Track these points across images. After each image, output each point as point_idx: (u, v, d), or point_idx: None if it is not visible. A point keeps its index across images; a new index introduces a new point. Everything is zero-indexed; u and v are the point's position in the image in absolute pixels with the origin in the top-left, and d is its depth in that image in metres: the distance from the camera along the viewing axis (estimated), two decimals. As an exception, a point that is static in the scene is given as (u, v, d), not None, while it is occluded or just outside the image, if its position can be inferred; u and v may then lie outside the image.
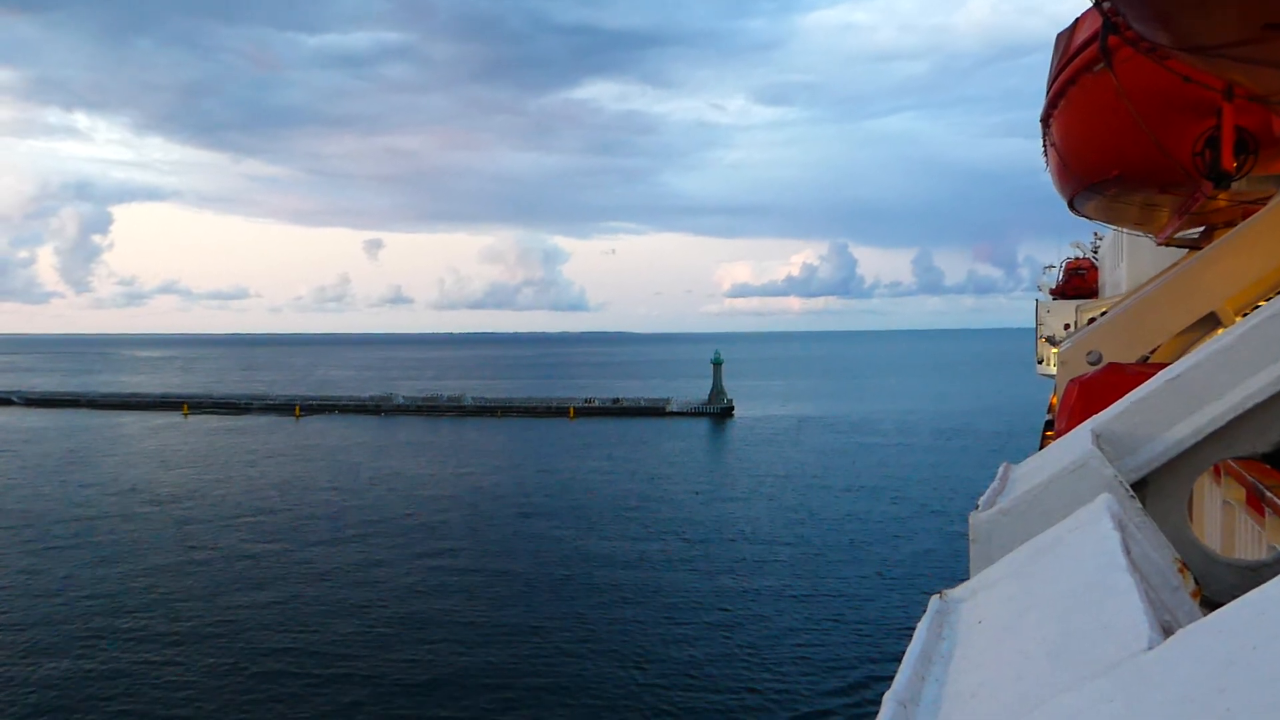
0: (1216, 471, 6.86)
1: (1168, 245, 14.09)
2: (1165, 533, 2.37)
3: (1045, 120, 10.34)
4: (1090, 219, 13.76)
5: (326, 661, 26.42)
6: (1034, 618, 1.61)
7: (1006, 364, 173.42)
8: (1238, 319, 8.03)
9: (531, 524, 44.64)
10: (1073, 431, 3.09)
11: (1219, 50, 4.25)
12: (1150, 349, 8.71)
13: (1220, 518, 7.11)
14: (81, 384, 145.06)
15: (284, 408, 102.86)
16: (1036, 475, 2.69)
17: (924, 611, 1.85)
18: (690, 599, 32.31)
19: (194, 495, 52.75)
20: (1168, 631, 1.29)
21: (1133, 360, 8.21)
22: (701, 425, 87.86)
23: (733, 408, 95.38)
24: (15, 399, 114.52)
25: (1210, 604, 2.11)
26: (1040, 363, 38.53)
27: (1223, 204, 9.73)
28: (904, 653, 1.63)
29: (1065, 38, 8.82)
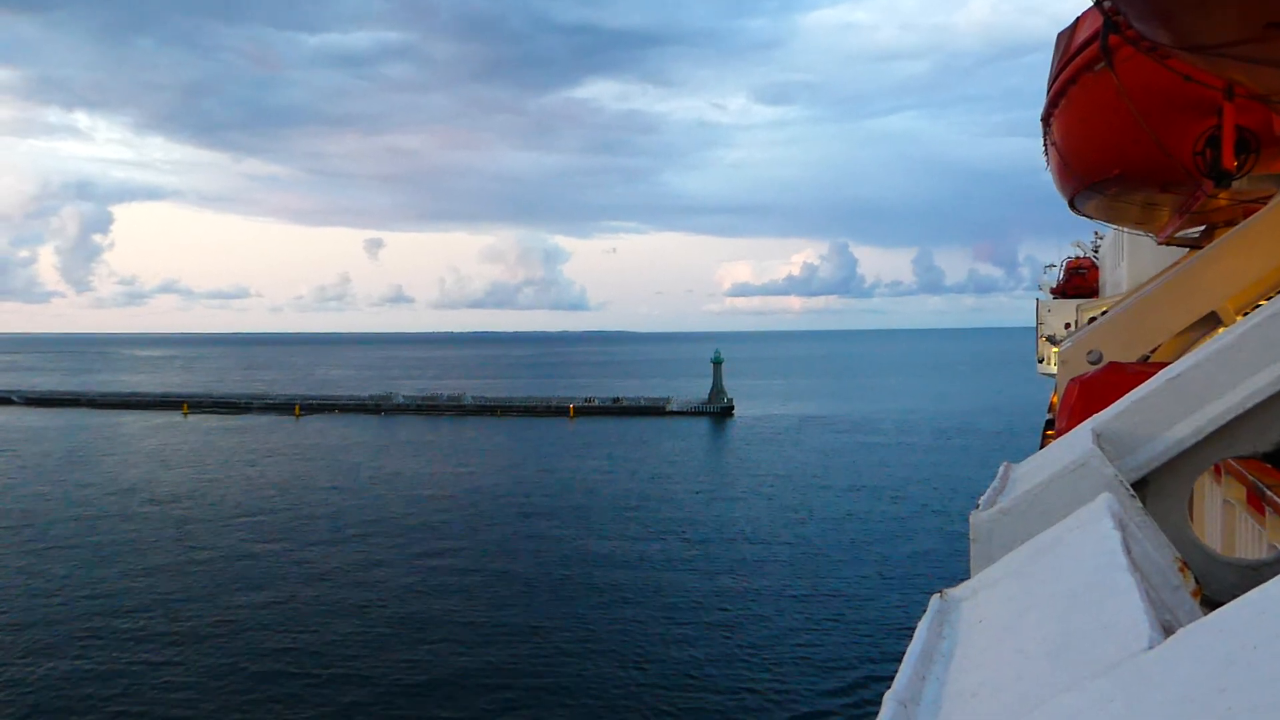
0: (1217, 471, 6.86)
1: (1168, 244, 14.08)
2: (1166, 532, 2.37)
3: (1046, 119, 10.34)
4: (1091, 218, 13.75)
5: (326, 661, 26.42)
6: (1035, 617, 1.61)
7: (1007, 363, 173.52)
8: (1238, 318, 8.02)
9: (531, 523, 44.64)
10: (1073, 431, 3.09)
11: (1220, 49, 4.25)
12: (1151, 348, 8.70)
13: (1221, 517, 7.11)
14: (81, 383, 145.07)
15: (284, 407, 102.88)
16: (1037, 475, 2.69)
17: (924, 611, 1.85)
18: (690, 599, 32.31)
19: (193, 495, 52.77)
20: (1168, 631, 1.29)
21: (1133, 359, 8.21)
22: (701, 425, 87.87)
23: (733, 407, 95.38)
24: (15, 398, 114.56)
25: (1211, 603, 2.10)
26: (1041, 362, 38.49)
27: (1223, 203, 9.73)
28: (904, 652, 1.63)
29: (1066, 37, 8.82)
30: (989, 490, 2.75)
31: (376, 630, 29.08)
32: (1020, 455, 3.79)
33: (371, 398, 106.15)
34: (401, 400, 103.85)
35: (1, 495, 52.64)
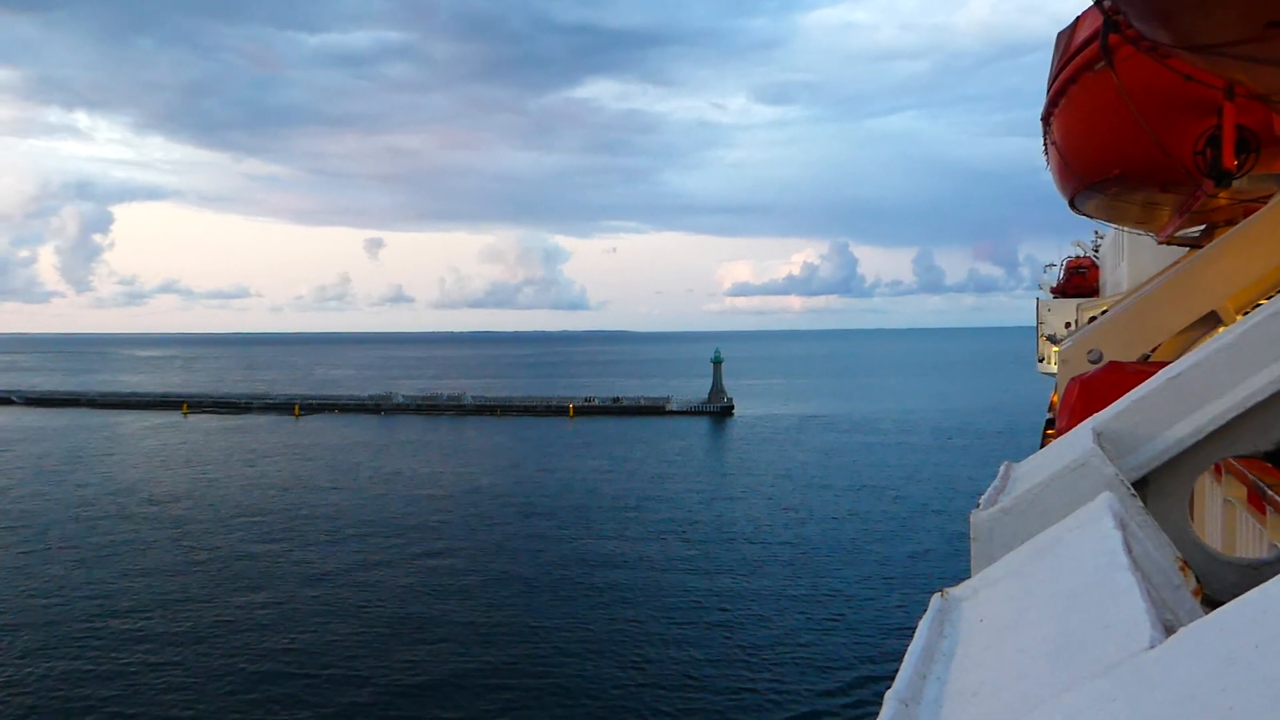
0: (1217, 470, 6.86)
1: (1169, 244, 14.08)
2: (1166, 531, 2.36)
3: (1046, 119, 10.33)
4: (1091, 218, 13.74)
5: (325, 661, 26.43)
6: (1035, 616, 1.61)
7: (1007, 363, 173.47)
8: (1239, 317, 8.03)
9: (531, 523, 44.65)
10: (1074, 430, 3.09)
11: (1220, 49, 4.24)
12: (1151, 348, 8.70)
13: (1221, 516, 7.12)
14: (81, 383, 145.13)
15: (284, 407, 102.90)
16: (1037, 474, 2.69)
17: (925, 610, 1.85)
18: (690, 599, 32.31)
19: (193, 495, 52.78)
20: (1169, 630, 1.29)
21: (1134, 359, 8.21)
22: (701, 424, 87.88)
23: (733, 407, 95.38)
24: (15, 398, 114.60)
25: (1212, 602, 2.11)
26: (1041, 361, 38.50)
27: (1224, 203, 9.73)
28: (905, 652, 1.63)
29: (1066, 36, 8.82)
30: (989, 489, 2.75)
31: (376, 630, 29.08)
32: (1021, 455, 3.79)
33: (371, 397, 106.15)
34: (401, 400, 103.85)
35: (1, 495, 52.64)
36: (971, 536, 2.52)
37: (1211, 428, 2.76)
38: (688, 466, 62.78)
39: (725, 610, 31.06)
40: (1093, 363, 8.36)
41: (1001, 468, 3.03)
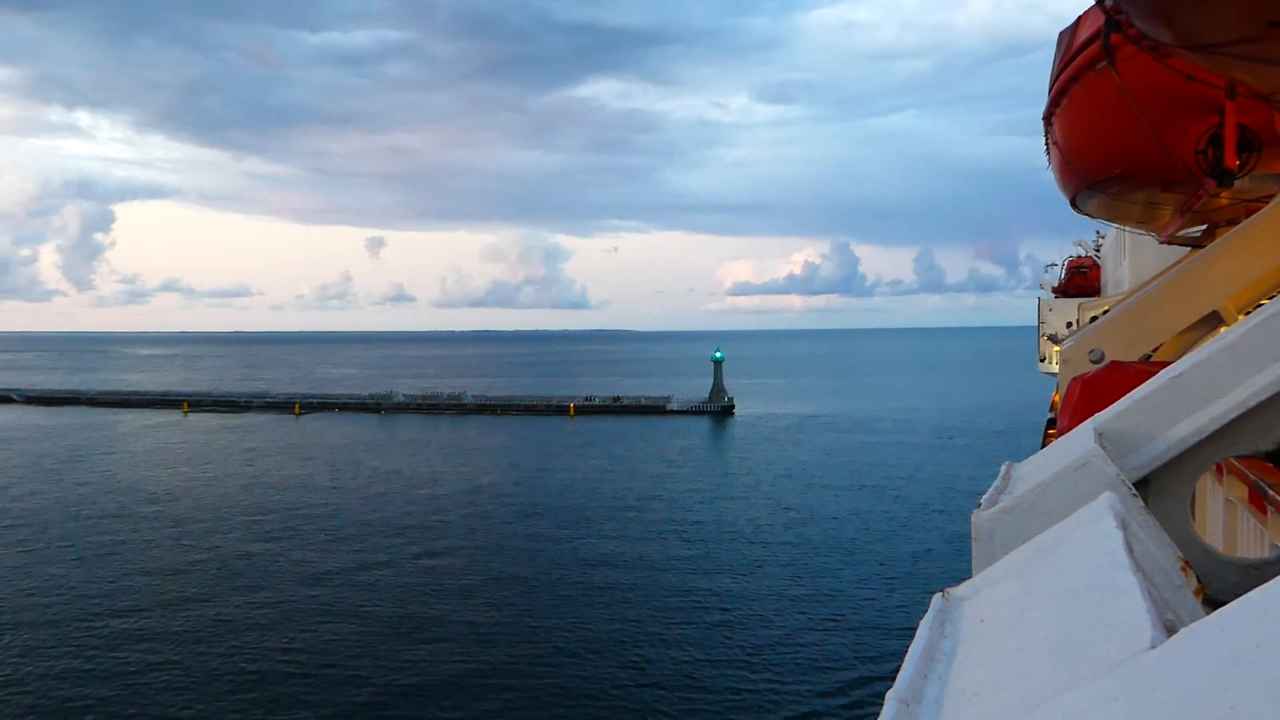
0: (1219, 470, 6.86)
1: (1170, 243, 14.07)
2: (1168, 531, 2.36)
3: (1047, 118, 10.33)
4: (1092, 217, 13.74)
5: (325, 661, 26.44)
6: (1036, 616, 1.61)
7: (1008, 362, 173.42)
8: (1240, 317, 8.02)
9: (531, 523, 44.65)
10: (1075, 430, 3.08)
11: (1222, 48, 4.24)
12: (1153, 347, 8.69)
13: (1223, 516, 7.11)
14: (82, 382, 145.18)
15: (284, 406, 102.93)
16: (1039, 474, 2.69)
17: (926, 610, 1.85)
18: (690, 599, 32.32)
19: (192, 494, 52.81)
20: (1170, 630, 1.28)
21: (1135, 358, 8.20)
22: (702, 424, 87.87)
23: (733, 406, 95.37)
24: (15, 397, 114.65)
25: (1213, 603, 2.10)
26: (1042, 361, 38.49)
27: (1225, 202, 9.72)
28: (906, 651, 1.63)
29: (1067, 36, 8.81)
30: (991, 489, 2.75)
31: (376, 630, 29.09)
32: (1022, 454, 3.79)
33: (371, 396, 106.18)
34: (401, 399, 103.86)
35: (1, 494, 52.67)
36: (973, 536, 2.51)
37: (1213, 427, 2.76)
38: (688, 466, 62.79)
39: (725, 610, 31.06)
40: (1094, 362, 8.35)
41: (1003, 467, 3.03)
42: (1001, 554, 2.23)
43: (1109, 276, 34.56)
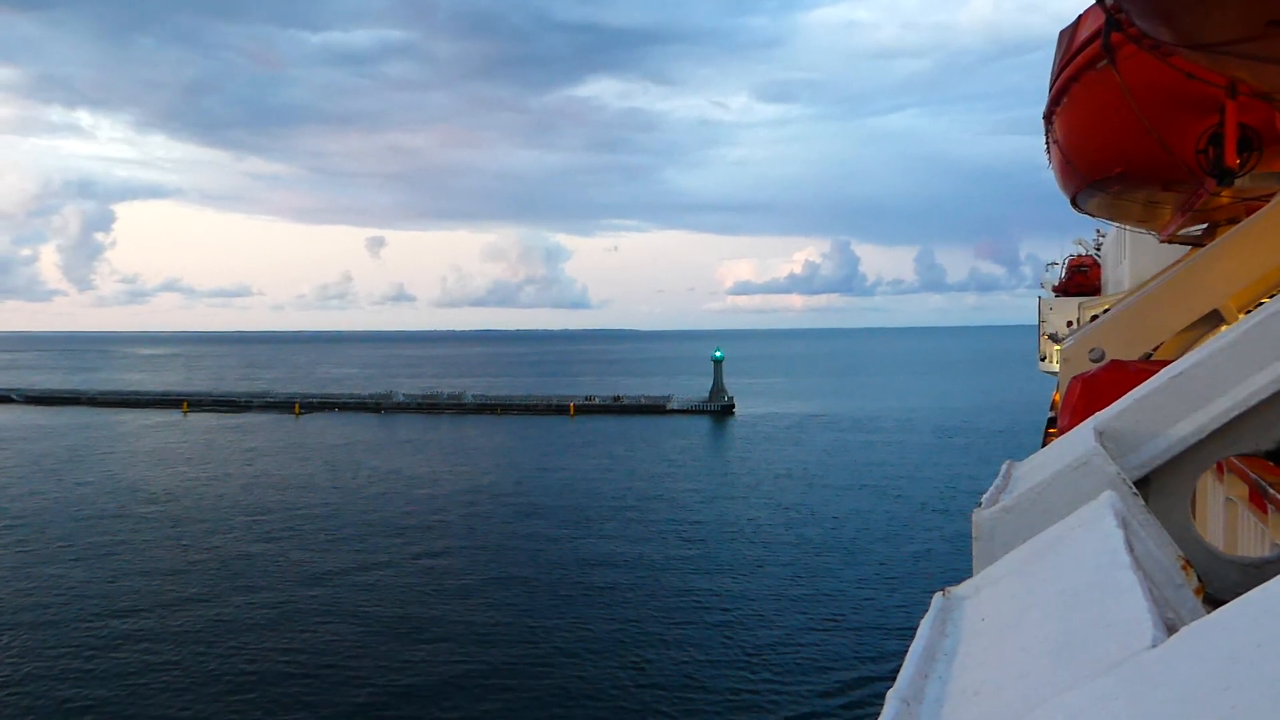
0: (1219, 469, 6.86)
1: (1170, 242, 14.06)
2: (1168, 530, 2.36)
3: (1048, 117, 10.33)
4: (1093, 216, 13.75)
5: (325, 662, 26.43)
6: (1037, 615, 1.61)
7: (1009, 361, 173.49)
8: (1241, 316, 8.02)
9: (531, 523, 44.65)
10: (1075, 429, 3.08)
11: (1222, 47, 4.24)
12: (1153, 346, 8.69)
13: (1223, 515, 7.11)
14: (82, 381, 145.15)
15: (284, 405, 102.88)
16: (1039, 473, 2.69)
17: (927, 609, 1.85)
18: (690, 599, 32.31)
19: (192, 494, 52.80)
20: (1171, 629, 1.28)
21: (1135, 357, 8.20)
22: (702, 423, 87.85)
23: (733, 405, 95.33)
24: (15, 397, 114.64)
25: (1213, 601, 2.11)
26: (1043, 360, 38.53)
27: (1226, 201, 9.71)
28: (906, 651, 1.63)
29: (1068, 35, 8.81)
30: (991, 488, 2.75)
31: (375, 630, 29.09)
32: (1022, 453, 3.79)
33: (372, 396, 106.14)
34: (402, 399, 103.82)
35: (1, 494, 52.68)
36: (973, 535, 2.51)
37: (1213, 426, 2.76)
38: (688, 465, 62.78)
39: (726, 610, 31.05)
40: (1094, 361, 8.35)
41: (1003, 466, 3.03)
42: (1002, 553, 2.23)
43: (1109, 275, 34.55)
